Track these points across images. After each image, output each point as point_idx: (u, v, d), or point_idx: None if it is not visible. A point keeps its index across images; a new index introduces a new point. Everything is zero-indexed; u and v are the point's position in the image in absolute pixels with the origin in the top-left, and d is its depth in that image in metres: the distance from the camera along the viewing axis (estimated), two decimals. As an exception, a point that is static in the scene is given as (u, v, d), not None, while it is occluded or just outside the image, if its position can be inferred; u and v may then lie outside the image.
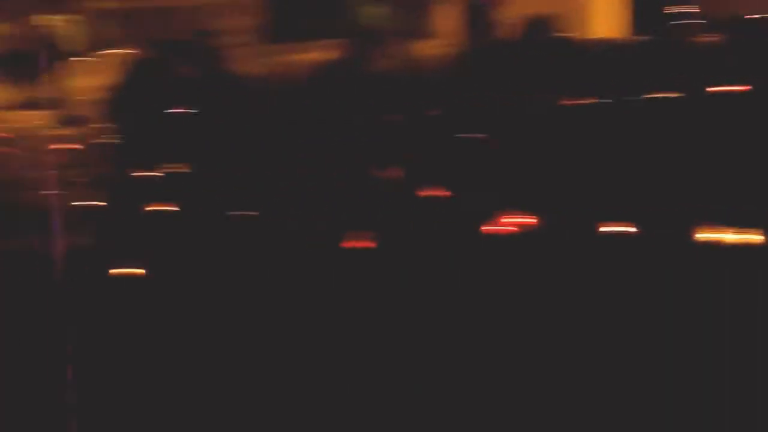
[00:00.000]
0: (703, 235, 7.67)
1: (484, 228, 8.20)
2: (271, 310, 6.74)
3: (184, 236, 8.67)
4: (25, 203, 10.78)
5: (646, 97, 11.15)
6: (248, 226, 8.90)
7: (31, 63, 24.16)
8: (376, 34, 18.05)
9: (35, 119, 21.42)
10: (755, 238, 7.46)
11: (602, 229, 7.93)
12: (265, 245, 8.31)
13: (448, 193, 9.54)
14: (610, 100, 10.30)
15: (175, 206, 9.34)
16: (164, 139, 10.20)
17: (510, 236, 8.03)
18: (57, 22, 58.59)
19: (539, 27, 10.41)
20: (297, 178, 11.06)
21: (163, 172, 10.10)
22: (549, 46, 10.65)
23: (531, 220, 8.21)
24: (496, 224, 8.20)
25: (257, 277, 7.42)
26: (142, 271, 7.51)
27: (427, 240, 8.27)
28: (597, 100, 10.12)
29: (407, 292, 6.99)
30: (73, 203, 10.50)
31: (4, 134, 18.16)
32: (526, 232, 8.10)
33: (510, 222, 8.20)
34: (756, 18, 10.18)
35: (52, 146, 15.99)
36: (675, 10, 10.81)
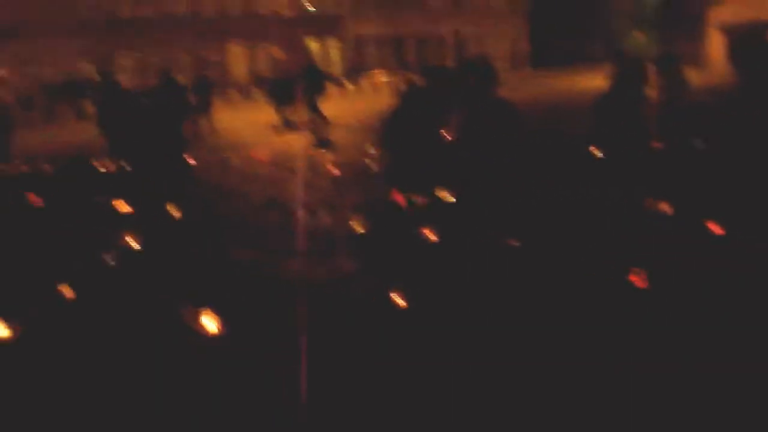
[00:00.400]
0: None
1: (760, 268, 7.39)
2: (539, 344, 6.11)
3: (446, 264, 8.22)
4: (285, 224, 10.66)
5: None
6: (512, 255, 8.37)
7: (296, 86, 24.81)
8: (643, 60, 17.42)
9: (298, 142, 21.94)
10: None
11: None
12: (532, 276, 7.72)
13: (722, 230, 8.66)
14: None
15: (437, 233, 8.92)
16: (429, 165, 9.84)
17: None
18: (322, 47, 60.51)
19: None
20: (564, 208, 10.50)
21: (428, 199, 9.71)
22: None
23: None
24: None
25: (524, 310, 6.82)
26: (403, 303, 7.05)
27: (700, 279, 7.50)
28: None
29: (681, 331, 6.26)
30: (333, 226, 10.29)
31: (267, 156, 18.54)
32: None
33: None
34: None
35: (314, 169, 16.17)
36: None
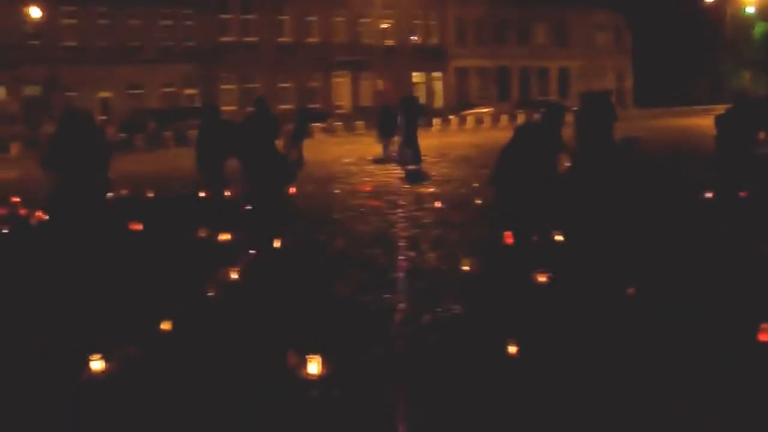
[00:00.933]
0: None
1: None
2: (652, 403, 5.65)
3: (559, 310, 7.77)
4: (389, 260, 10.33)
5: None
6: (628, 303, 7.88)
7: (397, 118, 24.65)
8: (751, 99, 16.88)
9: (399, 174, 21.70)
10: None
11: None
12: (648, 326, 7.22)
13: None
14: None
15: (549, 275, 8.47)
16: (543, 204, 9.44)
17: None
18: (425, 78, 60.77)
19: None
20: (680, 251, 9.96)
21: (540, 239, 9.30)
22: None
23: None
24: None
25: (639, 363, 6.34)
26: (515, 349, 6.63)
27: None
28: None
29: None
30: (438, 264, 9.93)
31: (369, 188, 18.33)
32: None
33: None
34: None
35: (416, 202, 15.87)
36: None
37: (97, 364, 6.43)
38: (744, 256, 9.59)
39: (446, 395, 5.82)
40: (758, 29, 71.81)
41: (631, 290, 8.00)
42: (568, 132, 10.35)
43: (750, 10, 67.36)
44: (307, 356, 6.24)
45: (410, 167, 21.66)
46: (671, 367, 6.19)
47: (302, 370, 6.21)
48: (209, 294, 8.65)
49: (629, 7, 71.40)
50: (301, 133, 25.21)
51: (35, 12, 48.18)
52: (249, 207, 13.95)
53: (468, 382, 6.04)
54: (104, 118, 46.67)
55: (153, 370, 6.56)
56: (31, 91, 51.15)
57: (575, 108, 13.02)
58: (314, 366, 6.20)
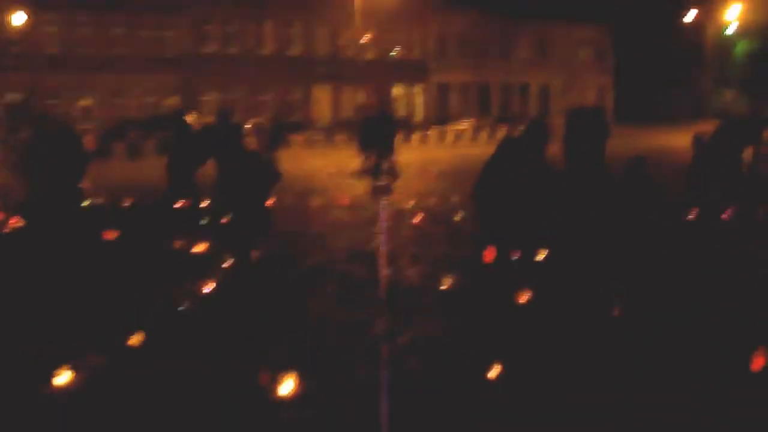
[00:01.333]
0: None
1: None
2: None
3: (541, 329, 7.64)
4: (367, 275, 10.20)
5: None
6: (613, 323, 7.76)
7: (377, 131, 24.55)
8: (733, 118, 17.01)
9: (375, 187, 21.65)
10: None
11: None
12: (634, 348, 7.12)
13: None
14: None
15: (529, 294, 8.32)
16: (524, 221, 9.30)
17: None
18: (406, 93, 60.66)
19: None
20: (663, 270, 9.89)
21: (516, 256, 9.15)
22: None
23: None
24: None
25: (626, 388, 6.24)
26: (494, 374, 6.48)
27: None
28: None
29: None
30: (416, 281, 9.80)
31: (347, 201, 18.17)
32: None
33: None
34: None
35: (394, 216, 15.77)
36: None
37: (63, 378, 6.28)
38: (728, 278, 9.57)
39: (426, 417, 5.71)
40: (739, 48, 72.33)
41: (616, 311, 7.88)
42: (556, 149, 10.21)
43: (731, 29, 67.83)
44: (280, 374, 6.09)
45: (380, 182, 21.70)
46: (658, 379, 6.13)
47: (276, 388, 6.06)
48: (182, 307, 8.49)
49: (611, 23, 71.84)
50: (275, 143, 24.97)
51: (17, 19, 47.98)
52: (227, 216, 13.81)
53: (448, 404, 5.92)
54: (88, 127, 46.59)
55: (121, 384, 6.41)
56: (13, 97, 51.00)
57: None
58: (288, 385, 6.06)
